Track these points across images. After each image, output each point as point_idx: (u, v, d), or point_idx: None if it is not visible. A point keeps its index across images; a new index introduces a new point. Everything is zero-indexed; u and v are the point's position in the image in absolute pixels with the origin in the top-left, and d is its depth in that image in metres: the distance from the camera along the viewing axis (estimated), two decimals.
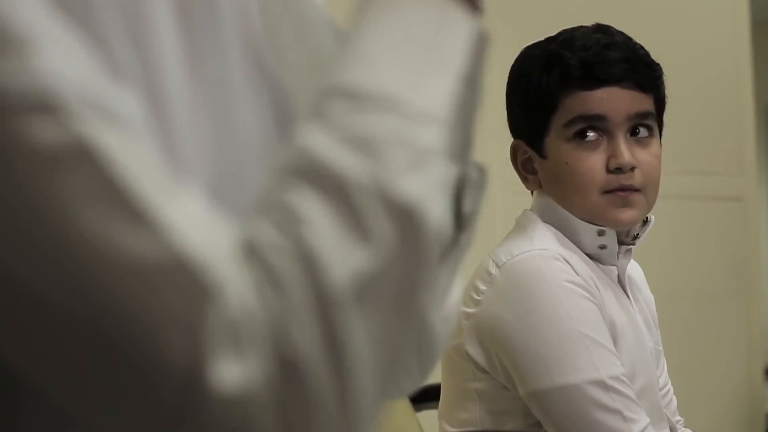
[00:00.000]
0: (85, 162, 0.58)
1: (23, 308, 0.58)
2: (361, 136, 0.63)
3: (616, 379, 1.67)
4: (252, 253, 0.59)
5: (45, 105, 0.58)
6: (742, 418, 4.02)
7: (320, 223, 0.60)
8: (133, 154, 0.59)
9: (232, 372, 0.57)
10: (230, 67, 0.73)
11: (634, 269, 1.91)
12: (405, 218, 0.61)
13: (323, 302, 0.59)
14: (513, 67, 1.85)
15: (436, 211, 0.63)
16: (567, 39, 1.78)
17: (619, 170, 1.74)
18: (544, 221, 1.81)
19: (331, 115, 0.64)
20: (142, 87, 0.66)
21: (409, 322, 0.63)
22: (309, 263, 0.59)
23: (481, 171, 0.76)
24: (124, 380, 0.58)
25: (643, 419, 1.68)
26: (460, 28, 0.69)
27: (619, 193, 1.75)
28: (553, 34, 1.83)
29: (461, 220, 0.72)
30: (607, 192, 1.75)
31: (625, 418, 1.65)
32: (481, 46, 0.72)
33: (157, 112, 0.66)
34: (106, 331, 0.57)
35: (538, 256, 1.72)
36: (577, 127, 1.75)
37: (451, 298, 0.83)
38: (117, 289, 0.57)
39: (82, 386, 0.59)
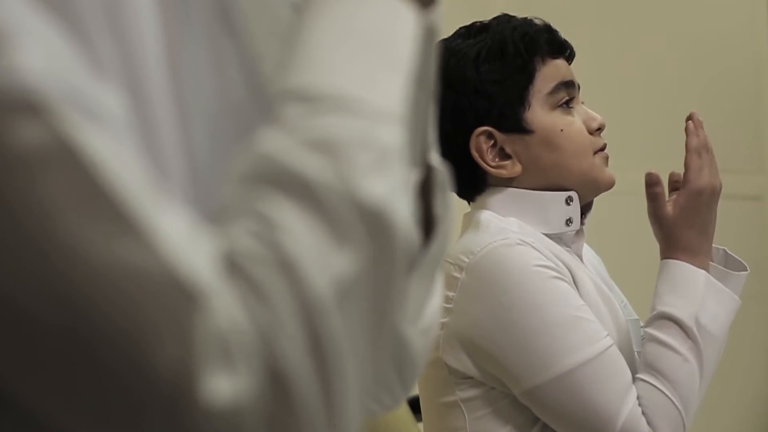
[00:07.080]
0: (69, 164, 0.56)
1: (2, 319, 0.57)
2: (323, 138, 0.62)
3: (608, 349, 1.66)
4: (233, 265, 0.59)
5: (27, 104, 0.56)
6: (762, 427, 3.99)
7: (297, 230, 0.59)
8: (117, 156, 0.58)
9: (223, 386, 0.56)
10: (199, 47, 0.72)
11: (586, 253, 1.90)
12: (375, 219, 0.61)
13: (308, 311, 0.58)
14: (454, 61, 1.76)
15: (404, 210, 0.63)
16: (503, 22, 1.78)
17: (599, 130, 1.79)
18: (503, 216, 1.76)
19: (290, 120, 0.63)
20: (124, 83, 0.64)
21: (386, 326, 0.63)
22: (291, 272, 0.58)
23: (443, 173, 0.78)
24: (110, 395, 0.57)
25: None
26: (408, 22, 0.68)
27: (603, 153, 1.80)
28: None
29: (432, 223, 0.71)
30: (596, 153, 1.79)
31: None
32: (429, 39, 0.71)
33: (138, 109, 0.65)
34: (91, 343, 0.56)
35: (501, 246, 1.68)
36: (561, 93, 1.77)
37: (430, 310, 0.82)
38: (101, 298, 0.56)
39: (67, 400, 0.58)
